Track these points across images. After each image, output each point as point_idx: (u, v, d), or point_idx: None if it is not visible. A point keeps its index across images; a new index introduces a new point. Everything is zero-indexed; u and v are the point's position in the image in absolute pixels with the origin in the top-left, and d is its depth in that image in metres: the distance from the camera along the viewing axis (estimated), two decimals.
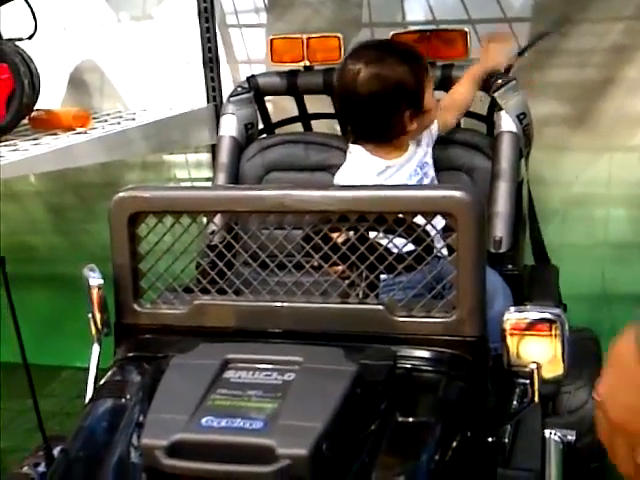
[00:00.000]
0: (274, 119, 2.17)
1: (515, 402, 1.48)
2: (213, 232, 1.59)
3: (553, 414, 1.74)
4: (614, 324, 2.28)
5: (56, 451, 1.22)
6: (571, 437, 1.55)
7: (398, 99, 1.66)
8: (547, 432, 1.52)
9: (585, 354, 1.86)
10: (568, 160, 2.26)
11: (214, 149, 2.23)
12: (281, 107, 2.25)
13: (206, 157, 2.50)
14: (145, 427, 1.10)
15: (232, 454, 1.04)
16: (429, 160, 1.77)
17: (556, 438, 1.53)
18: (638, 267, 2.25)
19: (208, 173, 2.48)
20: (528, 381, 1.22)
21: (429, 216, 1.26)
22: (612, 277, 2.29)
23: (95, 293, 1.37)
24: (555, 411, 1.76)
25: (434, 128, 1.80)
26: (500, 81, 1.84)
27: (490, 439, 1.26)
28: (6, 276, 1.12)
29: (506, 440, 1.35)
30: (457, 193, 1.24)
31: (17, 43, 2.04)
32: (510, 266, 1.71)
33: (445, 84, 1.90)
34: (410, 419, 1.18)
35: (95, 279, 1.37)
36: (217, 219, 1.43)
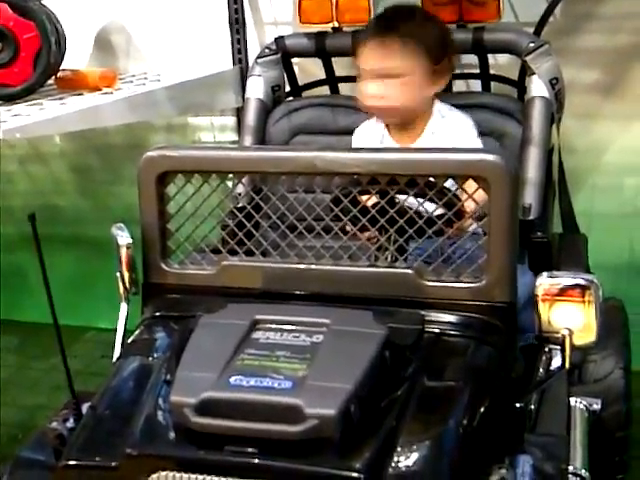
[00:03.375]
0: (300, 83, 2.14)
1: (542, 369, 1.47)
2: (241, 194, 1.59)
3: (579, 383, 1.73)
4: None
5: (84, 408, 1.23)
6: (596, 406, 1.55)
7: None
8: (573, 400, 1.51)
9: (612, 323, 1.84)
10: (599, 128, 2.22)
11: (239, 112, 2.22)
12: (306, 70, 2.23)
13: (231, 121, 2.49)
14: (174, 385, 1.11)
15: (260, 413, 1.04)
16: None
17: (581, 406, 1.52)
18: None
19: (233, 136, 2.47)
20: (559, 347, 1.21)
21: (461, 179, 1.25)
22: None
23: (124, 252, 1.37)
24: (581, 380, 1.75)
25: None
26: (532, 45, 1.81)
27: (518, 405, 1.25)
28: (37, 234, 1.11)
29: (532, 407, 1.34)
30: (490, 156, 1.22)
31: (43, 2, 2.03)
32: (539, 233, 1.69)
33: (476, 47, 1.86)
34: (438, 383, 1.17)
35: (124, 238, 1.37)
36: (245, 180, 1.42)
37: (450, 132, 1.69)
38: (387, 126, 1.76)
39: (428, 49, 1.65)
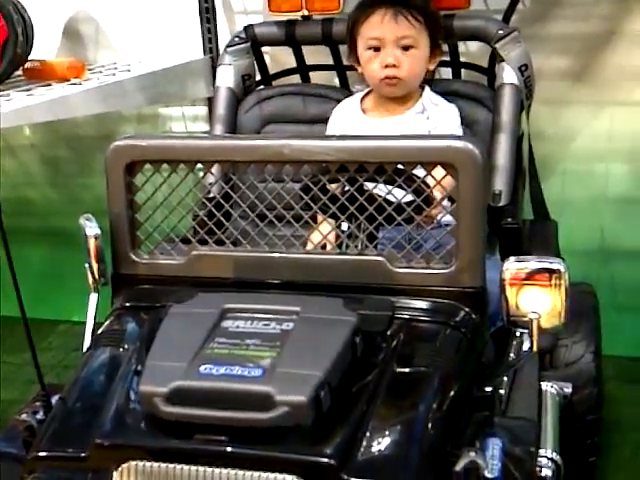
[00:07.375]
0: (271, 71, 2.13)
1: (512, 353, 1.48)
2: (211, 184, 1.58)
3: (550, 367, 1.74)
4: (612, 279, 2.29)
5: (54, 400, 1.22)
6: (567, 390, 1.56)
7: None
8: (544, 385, 1.53)
9: (583, 308, 1.86)
10: (569, 114, 2.24)
11: (211, 102, 2.20)
12: (277, 59, 2.22)
13: (203, 110, 2.47)
14: (144, 374, 1.10)
15: (231, 401, 1.04)
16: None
17: (553, 391, 1.54)
18: (637, 222, 2.24)
19: (205, 126, 2.45)
20: (527, 331, 1.22)
21: (429, 166, 1.25)
22: (611, 232, 2.28)
23: (92, 243, 1.36)
24: (552, 364, 1.76)
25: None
26: (502, 32, 1.81)
27: (488, 389, 1.26)
28: (2, 225, 1.10)
29: (503, 391, 1.35)
30: (458, 143, 1.23)
31: None
32: (509, 220, 1.70)
33: (446, 35, 1.86)
34: (408, 369, 1.18)
35: (92, 229, 1.36)
36: (215, 170, 1.41)
37: (441, 117, 1.73)
38: (362, 102, 1.78)
39: (432, 28, 1.72)
